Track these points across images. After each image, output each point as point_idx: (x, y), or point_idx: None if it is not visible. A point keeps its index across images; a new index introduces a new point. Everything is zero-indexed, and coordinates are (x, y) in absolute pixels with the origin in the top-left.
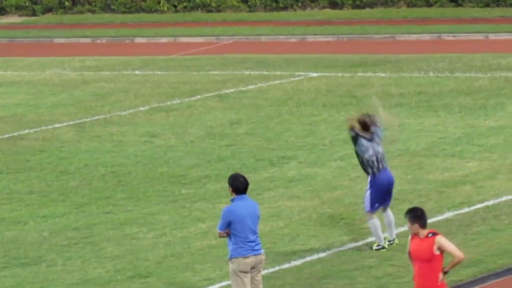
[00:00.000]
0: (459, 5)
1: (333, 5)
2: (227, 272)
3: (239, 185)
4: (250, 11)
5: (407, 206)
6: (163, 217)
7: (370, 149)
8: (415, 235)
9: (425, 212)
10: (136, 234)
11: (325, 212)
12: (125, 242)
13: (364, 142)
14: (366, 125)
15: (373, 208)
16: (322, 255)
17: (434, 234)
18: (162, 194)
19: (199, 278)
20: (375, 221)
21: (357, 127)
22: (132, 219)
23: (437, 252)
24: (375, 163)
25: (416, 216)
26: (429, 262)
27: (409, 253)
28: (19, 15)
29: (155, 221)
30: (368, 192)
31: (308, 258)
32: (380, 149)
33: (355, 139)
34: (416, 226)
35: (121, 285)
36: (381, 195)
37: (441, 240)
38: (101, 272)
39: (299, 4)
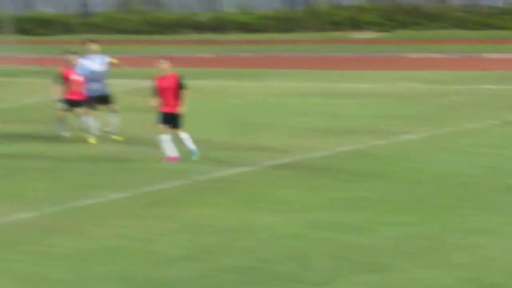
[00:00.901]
0: None
1: None
2: None
3: None
4: None
5: None
6: None
7: None
8: None
9: None
10: (485, 244)
11: None
12: (474, 251)
13: None
14: None
15: None
16: None
17: None
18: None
19: None
20: None
21: None
22: (481, 229)
23: None
24: None
25: None
26: None
27: None
28: (375, 31)
29: (504, 231)
30: None
31: None
32: None
33: None
34: None
35: None
36: None
37: None
38: (449, 281)
39: None
